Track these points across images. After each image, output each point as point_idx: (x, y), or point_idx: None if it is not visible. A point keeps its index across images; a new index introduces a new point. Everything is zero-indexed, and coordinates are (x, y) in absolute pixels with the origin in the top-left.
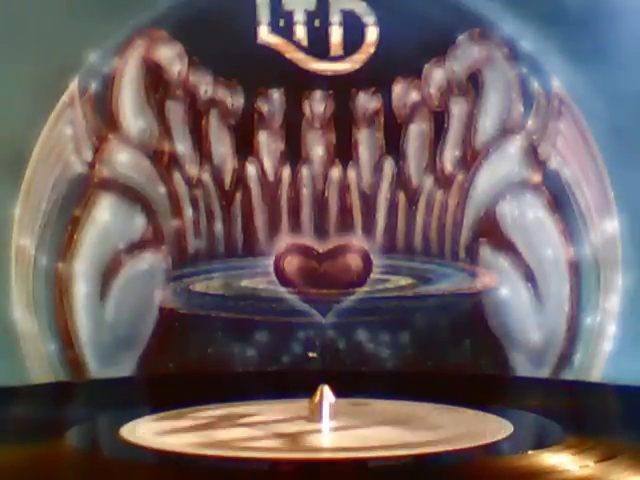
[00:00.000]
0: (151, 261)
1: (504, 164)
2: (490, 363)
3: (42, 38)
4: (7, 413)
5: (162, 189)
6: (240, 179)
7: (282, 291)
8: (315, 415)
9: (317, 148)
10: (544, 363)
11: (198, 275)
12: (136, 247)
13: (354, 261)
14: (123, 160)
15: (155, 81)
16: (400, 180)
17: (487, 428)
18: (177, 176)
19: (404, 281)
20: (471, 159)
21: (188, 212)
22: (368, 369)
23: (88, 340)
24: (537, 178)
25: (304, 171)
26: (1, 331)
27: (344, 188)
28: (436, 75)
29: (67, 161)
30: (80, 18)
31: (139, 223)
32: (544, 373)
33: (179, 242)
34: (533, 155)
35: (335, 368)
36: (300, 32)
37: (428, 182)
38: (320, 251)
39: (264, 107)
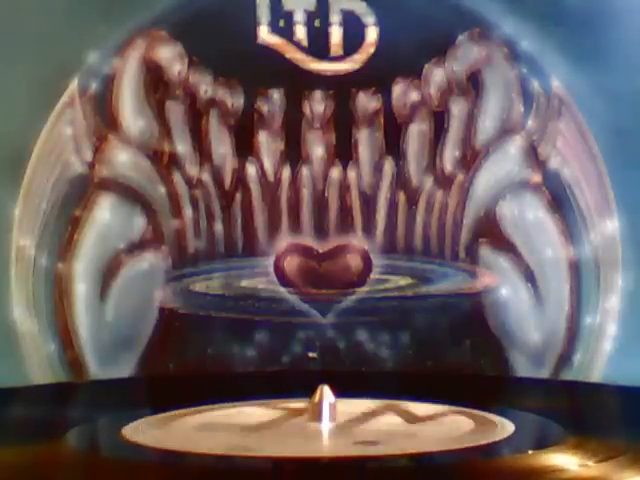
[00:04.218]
0: (151, 261)
1: (504, 164)
2: (490, 363)
3: (42, 38)
4: (7, 413)
5: (162, 189)
6: (240, 179)
7: (282, 291)
8: (315, 415)
9: (317, 148)
10: (544, 363)
11: (198, 275)
12: (136, 247)
13: (354, 261)
14: (123, 160)
15: (155, 81)
16: (400, 180)
17: (487, 428)
18: (177, 176)
19: (404, 281)
20: (471, 159)
21: (188, 212)
22: (368, 369)
23: (88, 340)
24: (537, 178)
25: (304, 171)
26: (1, 331)
27: (344, 188)
28: (436, 75)
29: (67, 161)
30: (80, 18)
31: (139, 223)
32: (544, 373)
33: (179, 242)
34: (533, 155)
35: (335, 368)
36: (300, 32)
37: (428, 182)
38: (320, 251)
39: (264, 107)
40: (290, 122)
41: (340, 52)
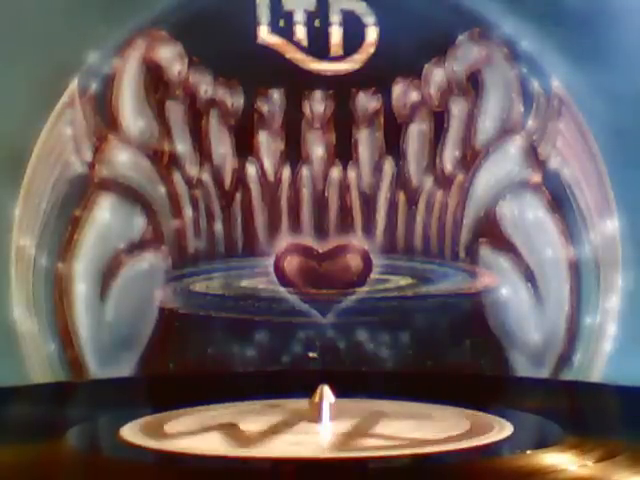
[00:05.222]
0: (151, 261)
1: (504, 164)
2: (490, 363)
3: (42, 38)
4: (7, 413)
5: (162, 189)
6: (240, 179)
7: (282, 291)
8: (315, 415)
9: (317, 148)
10: (544, 363)
11: (198, 275)
12: (136, 247)
13: (354, 261)
14: (123, 160)
15: (155, 81)
16: (400, 180)
17: (487, 428)
18: (177, 176)
19: (404, 281)
20: (471, 159)
21: (188, 212)
22: (368, 369)
23: (88, 340)
24: (537, 178)
25: (304, 171)
26: (1, 331)
27: (344, 188)
28: (436, 75)
29: (67, 161)
30: (80, 18)
31: (139, 223)
32: (544, 373)
33: (179, 242)
34: (533, 155)
35: (335, 368)
36: (300, 32)
37: (428, 182)
38: (320, 251)
39: (264, 107)
40: (290, 122)
41: (340, 52)
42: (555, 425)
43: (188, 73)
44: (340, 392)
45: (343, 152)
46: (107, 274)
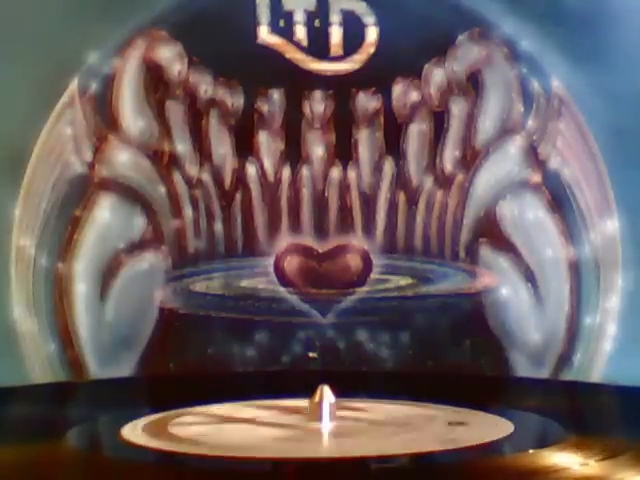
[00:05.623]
0: (151, 261)
1: (504, 164)
2: (490, 363)
3: (42, 38)
4: (7, 413)
5: (162, 189)
6: (240, 179)
7: (282, 291)
8: (315, 415)
9: (317, 148)
10: (544, 363)
11: (198, 275)
12: (136, 247)
13: (354, 261)
14: (123, 160)
15: (155, 81)
16: (400, 180)
17: (487, 428)
18: (177, 176)
19: (404, 281)
20: (471, 159)
21: (188, 212)
22: (368, 369)
23: (88, 340)
24: (537, 178)
25: (304, 171)
26: (1, 331)
27: (344, 188)
28: (436, 75)
29: (67, 161)
30: (80, 18)
31: (139, 223)
32: (544, 373)
33: (179, 242)
34: (533, 155)
35: (335, 368)
36: (300, 32)
37: (428, 182)
38: (320, 251)
39: (264, 107)
40: (290, 122)
41: (340, 52)
42: (555, 424)
43: (188, 73)
44: (340, 392)
45: (343, 152)
46: (107, 274)
